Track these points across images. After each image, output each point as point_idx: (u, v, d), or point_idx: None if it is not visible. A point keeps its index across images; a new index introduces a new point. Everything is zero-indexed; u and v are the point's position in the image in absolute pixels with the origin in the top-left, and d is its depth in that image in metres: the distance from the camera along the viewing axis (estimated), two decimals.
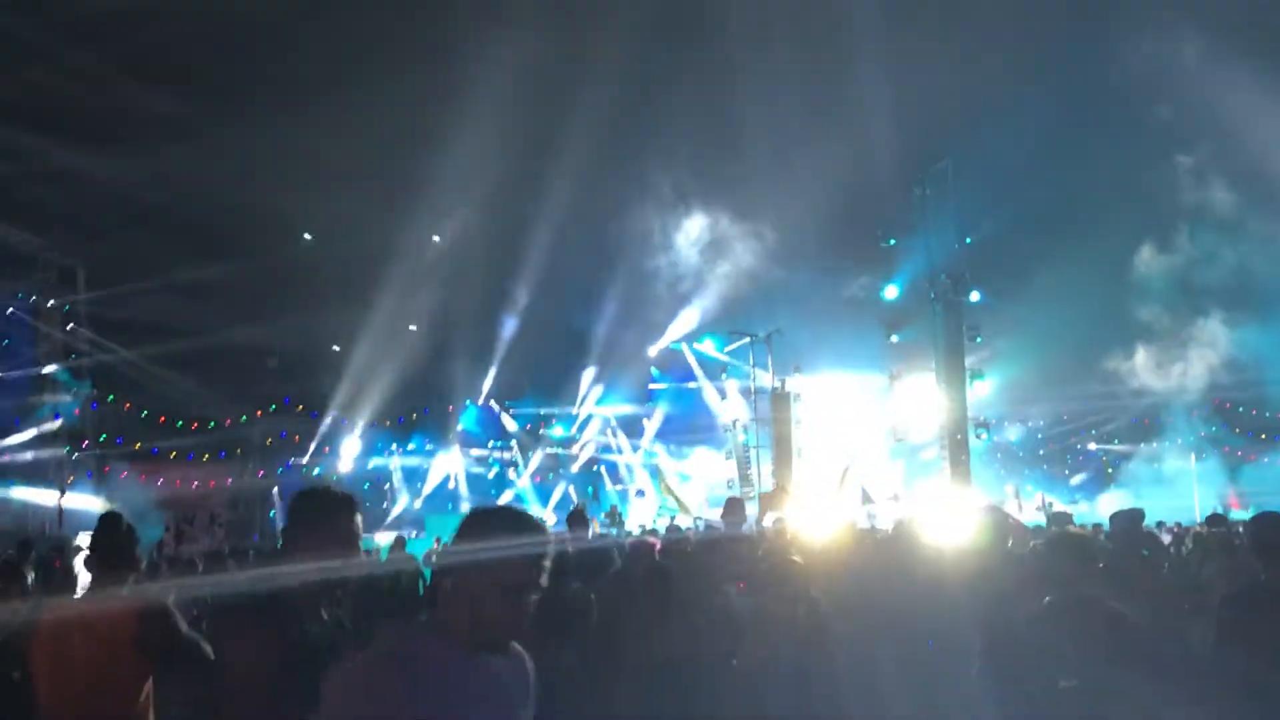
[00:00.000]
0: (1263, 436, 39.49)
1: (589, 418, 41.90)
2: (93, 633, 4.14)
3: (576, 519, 9.27)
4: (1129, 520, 8.05)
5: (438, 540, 18.15)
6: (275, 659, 3.32)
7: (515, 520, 2.78)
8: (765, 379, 33.27)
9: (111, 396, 36.65)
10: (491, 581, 2.62)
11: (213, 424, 38.06)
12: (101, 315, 35.04)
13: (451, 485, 40.94)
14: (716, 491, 34.53)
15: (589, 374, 40.87)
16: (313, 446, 40.31)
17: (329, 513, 3.59)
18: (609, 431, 41.76)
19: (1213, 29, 31.41)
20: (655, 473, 37.30)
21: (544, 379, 41.49)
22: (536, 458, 41.77)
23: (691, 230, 37.09)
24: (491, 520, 2.78)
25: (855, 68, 36.01)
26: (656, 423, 41.03)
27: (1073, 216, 34.37)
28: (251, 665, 3.34)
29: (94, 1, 29.92)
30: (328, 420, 40.29)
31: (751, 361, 33.31)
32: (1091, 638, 4.75)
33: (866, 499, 26.93)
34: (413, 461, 41.77)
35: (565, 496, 38.05)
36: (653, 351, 40.19)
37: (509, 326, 39.74)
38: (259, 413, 39.56)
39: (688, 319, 38.85)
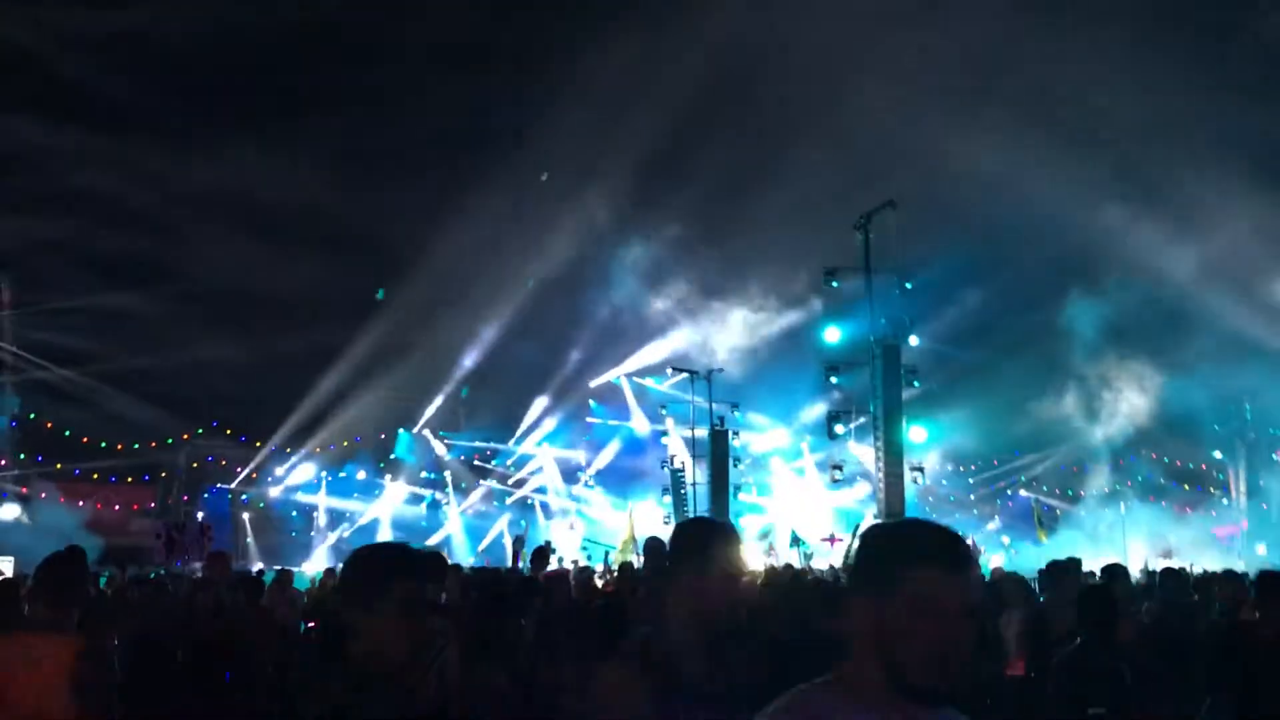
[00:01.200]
0: (1186, 486, 40.43)
1: (527, 455, 41.67)
2: (33, 669, 3.96)
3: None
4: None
5: None
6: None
7: (934, 532, 2.18)
8: (705, 417, 33.34)
9: (33, 414, 35.60)
10: (916, 603, 2.04)
11: (136, 445, 37.09)
12: (25, 334, 34.22)
13: (384, 516, 40.14)
14: (648, 531, 34.41)
15: (529, 410, 40.65)
16: (241, 472, 39.42)
17: (713, 544, 3.26)
18: (546, 468, 41.49)
19: (1143, 73, 32.56)
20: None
21: (483, 413, 41.11)
22: (476, 493, 41.20)
23: (637, 271, 37.40)
24: (897, 530, 2.26)
25: (803, 117, 36.79)
26: (594, 459, 40.90)
27: (1010, 263, 35.11)
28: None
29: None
30: (257, 445, 39.49)
31: (692, 398, 33.31)
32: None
33: (796, 541, 26.91)
34: (344, 492, 40.78)
35: (499, 536, 37.41)
36: (593, 385, 40.19)
37: (449, 359, 39.48)
38: (185, 435, 38.61)
39: (629, 356, 38.96)
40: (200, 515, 36.78)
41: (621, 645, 3.23)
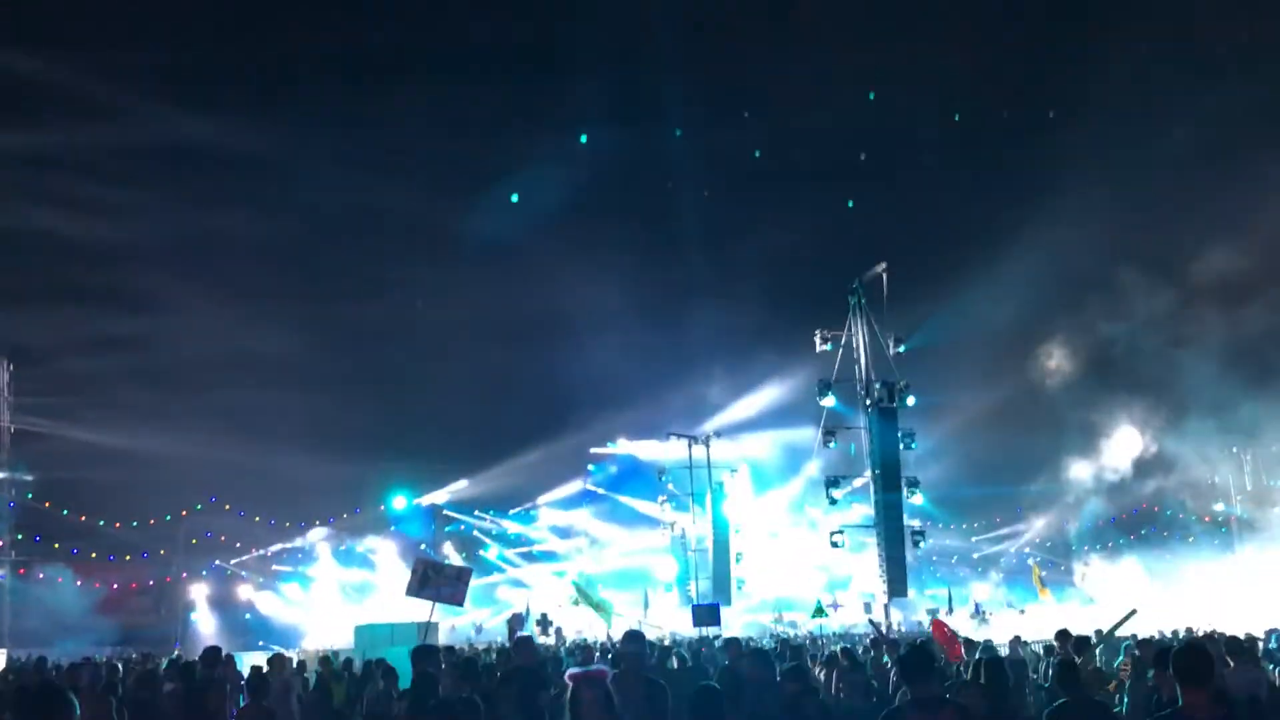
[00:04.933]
0: (1190, 539, 40.00)
1: (527, 522, 41.50)
2: None
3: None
4: None
5: None
6: None
7: None
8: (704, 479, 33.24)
9: (30, 494, 35.42)
10: None
11: (135, 523, 36.82)
12: (24, 417, 34.22)
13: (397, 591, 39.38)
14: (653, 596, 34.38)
15: (529, 478, 40.39)
16: (240, 547, 39.15)
17: None
18: (547, 535, 41.33)
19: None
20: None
21: (486, 483, 40.85)
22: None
23: (634, 334, 37.56)
24: None
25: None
26: (594, 525, 40.72)
27: (1003, 325, 35.19)
28: None
29: None
30: (255, 520, 39.24)
31: (690, 461, 33.15)
32: None
33: (820, 611, 26.72)
34: (345, 565, 40.24)
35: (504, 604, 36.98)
36: (593, 452, 40.14)
37: (447, 427, 39.45)
38: (184, 512, 38.37)
39: (628, 421, 38.95)
40: (205, 593, 36.49)
41: None
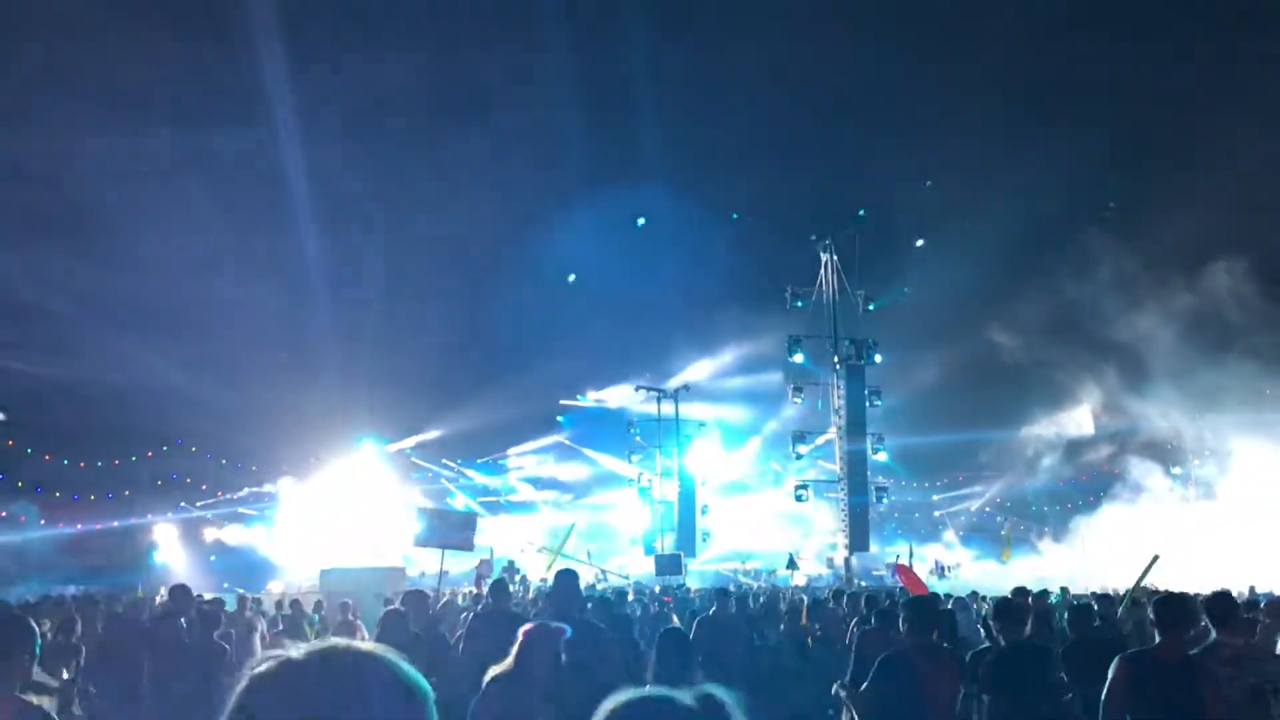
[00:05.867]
0: (1125, 496, 40.39)
1: (496, 472, 41.55)
2: None
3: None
4: None
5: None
6: None
7: None
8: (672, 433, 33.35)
9: None
10: None
11: (100, 463, 36.55)
12: None
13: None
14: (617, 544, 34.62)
15: (499, 429, 40.40)
16: (205, 489, 38.97)
17: None
18: (516, 485, 41.41)
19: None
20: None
21: (455, 433, 40.83)
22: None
23: (606, 285, 37.44)
24: None
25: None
26: (562, 474, 40.86)
27: (969, 286, 35.35)
28: None
29: None
30: (223, 463, 39.06)
31: (659, 415, 33.30)
32: None
33: (792, 564, 27.06)
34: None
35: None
36: (563, 404, 40.17)
37: (417, 376, 39.31)
38: (149, 453, 38.11)
39: (600, 373, 38.99)
40: (177, 535, 36.31)
41: None
